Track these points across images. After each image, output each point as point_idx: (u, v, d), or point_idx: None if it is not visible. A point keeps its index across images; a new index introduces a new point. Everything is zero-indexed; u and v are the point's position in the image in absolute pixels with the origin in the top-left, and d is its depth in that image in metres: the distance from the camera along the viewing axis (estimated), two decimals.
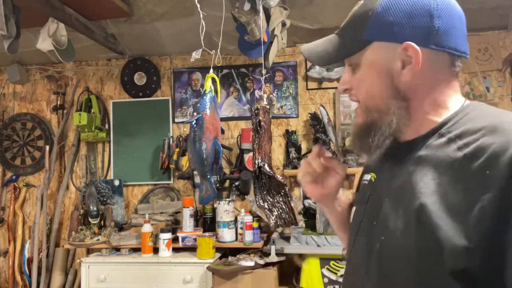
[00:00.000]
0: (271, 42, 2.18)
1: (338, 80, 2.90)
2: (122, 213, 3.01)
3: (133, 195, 3.11)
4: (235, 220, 2.58)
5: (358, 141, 0.78)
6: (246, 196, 2.83)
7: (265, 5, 1.91)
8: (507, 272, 0.55)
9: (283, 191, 1.58)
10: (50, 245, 3.04)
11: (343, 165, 0.89)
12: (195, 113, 1.60)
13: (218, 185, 2.78)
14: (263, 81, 2.00)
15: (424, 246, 0.62)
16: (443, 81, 0.72)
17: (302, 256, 2.37)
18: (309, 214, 2.60)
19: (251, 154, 2.65)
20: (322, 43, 0.81)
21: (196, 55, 1.57)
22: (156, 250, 2.52)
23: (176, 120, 3.08)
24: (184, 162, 2.87)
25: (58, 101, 3.18)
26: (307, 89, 2.96)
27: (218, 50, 1.73)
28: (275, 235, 2.50)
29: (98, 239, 2.68)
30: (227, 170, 2.96)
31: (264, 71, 1.98)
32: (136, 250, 2.62)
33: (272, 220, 1.53)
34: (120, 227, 2.90)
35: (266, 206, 1.54)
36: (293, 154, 2.80)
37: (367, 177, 0.84)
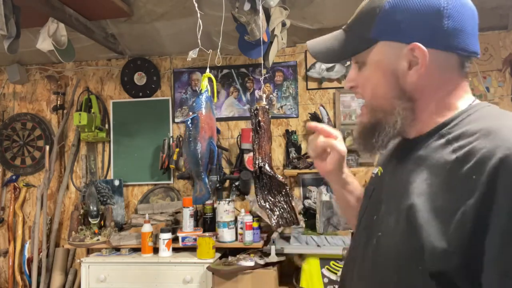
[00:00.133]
0: (271, 42, 2.18)
1: (338, 80, 2.90)
2: (122, 213, 3.01)
3: (133, 195, 3.11)
4: (235, 220, 2.58)
5: (362, 140, 0.77)
6: (246, 196, 2.83)
7: (265, 5, 1.91)
8: (484, 278, 0.55)
9: (284, 191, 1.58)
10: (50, 245, 3.04)
11: (341, 143, 0.89)
12: (190, 113, 1.59)
13: (218, 185, 2.78)
14: (262, 81, 2.00)
15: (408, 246, 0.62)
16: (451, 82, 0.71)
17: (302, 256, 2.37)
18: (309, 214, 2.61)
19: (251, 154, 2.65)
20: (328, 40, 0.79)
21: (192, 54, 1.57)
22: (156, 250, 2.52)
23: (176, 120, 3.08)
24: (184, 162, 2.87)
25: (58, 101, 3.18)
26: (307, 89, 2.96)
27: (218, 50, 1.74)
28: (275, 235, 2.50)
29: (98, 239, 2.68)
30: (227, 170, 2.96)
31: (264, 71, 1.98)
32: (136, 250, 2.62)
33: (274, 220, 1.53)
34: (120, 227, 2.90)
35: (267, 206, 1.54)
36: (293, 154, 2.80)
37: (375, 170, 0.85)
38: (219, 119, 3.00)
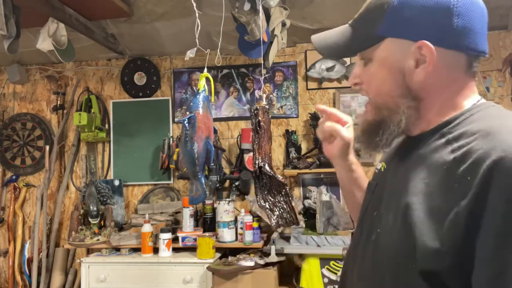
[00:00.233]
0: (271, 42, 2.18)
1: (338, 80, 2.90)
2: (122, 213, 3.01)
3: (133, 195, 3.11)
4: (235, 220, 2.58)
5: (365, 138, 0.77)
6: (246, 196, 2.83)
7: (265, 5, 1.91)
8: (474, 278, 0.55)
9: (283, 191, 1.58)
10: (50, 245, 3.04)
11: (348, 130, 0.89)
12: (187, 112, 1.58)
13: (218, 185, 2.78)
14: (262, 81, 2.00)
15: (404, 244, 0.62)
16: (459, 81, 0.69)
17: (302, 256, 2.37)
18: (309, 214, 2.61)
19: (251, 154, 2.65)
20: (334, 35, 0.78)
21: (190, 54, 1.57)
22: (156, 250, 2.52)
23: (176, 120, 3.08)
24: None
25: (58, 101, 3.18)
26: (307, 89, 2.96)
27: (218, 50, 1.73)
28: (275, 235, 2.50)
29: (98, 239, 2.68)
30: (227, 170, 2.96)
31: (264, 71, 1.98)
32: (136, 250, 2.62)
33: (274, 220, 1.53)
34: (120, 227, 2.90)
35: (267, 206, 1.54)
36: (293, 154, 2.80)
37: (379, 166, 0.85)
38: (219, 119, 3.00)
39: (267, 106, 1.64)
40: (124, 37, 2.84)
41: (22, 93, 3.30)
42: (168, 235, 2.49)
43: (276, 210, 1.55)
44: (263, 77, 1.97)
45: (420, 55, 0.67)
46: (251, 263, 2.26)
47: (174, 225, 2.70)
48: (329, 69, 2.84)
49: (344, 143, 0.89)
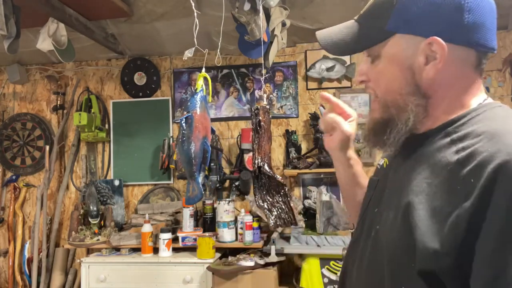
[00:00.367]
0: (271, 42, 2.18)
1: (338, 80, 2.90)
2: (122, 213, 3.01)
3: (133, 195, 3.11)
4: (235, 220, 2.58)
5: (372, 137, 0.75)
6: (246, 196, 2.83)
7: (265, 5, 1.91)
8: (473, 280, 0.55)
9: (282, 191, 1.58)
10: (50, 245, 3.04)
11: (349, 124, 0.88)
12: (184, 112, 1.58)
13: (218, 185, 2.78)
14: (263, 81, 2.00)
15: (403, 243, 0.62)
16: (467, 79, 0.68)
17: (302, 256, 2.37)
18: (309, 214, 2.60)
19: (251, 154, 2.64)
20: (340, 31, 0.76)
21: (188, 53, 1.57)
22: (156, 250, 2.52)
23: (176, 120, 3.08)
24: None
25: (58, 101, 3.18)
26: (307, 89, 2.96)
27: (218, 50, 1.73)
28: (275, 235, 2.50)
29: (98, 239, 2.68)
30: (227, 170, 2.96)
31: (264, 71, 1.98)
32: (136, 250, 2.62)
33: (272, 220, 1.53)
34: (120, 227, 2.89)
35: (265, 206, 1.54)
36: (293, 154, 2.80)
37: (381, 161, 0.84)
38: (219, 119, 3.01)
39: (267, 106, 1.64)
40: (124, 37, 2.84)
41: (22, 93, 3.30)
42: (168, 235, 2.49)
43: (275, 210, 1.55)
44: (263, 77, 1.98)
45: (430, 52, 0.66)
46: (251, 263, 2.26)
47: (174, 225, 2.70)
48: (329, 69, 2.84)
49: (344, 137, 0.88)
